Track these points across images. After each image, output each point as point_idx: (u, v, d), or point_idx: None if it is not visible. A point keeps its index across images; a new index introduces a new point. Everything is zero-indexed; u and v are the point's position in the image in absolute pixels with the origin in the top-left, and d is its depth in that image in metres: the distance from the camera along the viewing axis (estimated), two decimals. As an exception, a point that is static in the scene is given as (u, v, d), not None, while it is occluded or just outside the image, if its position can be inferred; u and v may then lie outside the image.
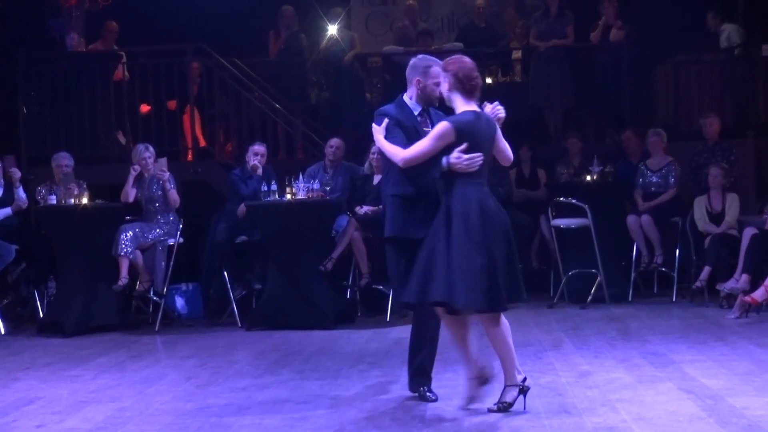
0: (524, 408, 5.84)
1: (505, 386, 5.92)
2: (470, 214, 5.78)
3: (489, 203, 5.88)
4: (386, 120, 6.14)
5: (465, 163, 5.78)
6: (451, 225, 5.80)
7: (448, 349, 7.76)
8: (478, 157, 5.80)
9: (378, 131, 6.11)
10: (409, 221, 6.09)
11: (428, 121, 6.26)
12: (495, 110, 6.04)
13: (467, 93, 5.93)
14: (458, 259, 5.73)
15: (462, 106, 5.94)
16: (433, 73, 6.18)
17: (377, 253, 9.96)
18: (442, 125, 5.87)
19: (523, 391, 5.89)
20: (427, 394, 6.26)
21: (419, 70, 6.25)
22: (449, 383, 6.62)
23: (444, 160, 5.82)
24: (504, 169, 11.39)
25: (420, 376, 6.32)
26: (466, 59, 6.03)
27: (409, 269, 5.96)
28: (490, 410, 5.86)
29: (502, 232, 5.90)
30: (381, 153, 6.39)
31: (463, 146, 5.79)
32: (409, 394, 6.35)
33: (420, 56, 6.41)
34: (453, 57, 6.09)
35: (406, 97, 6.30)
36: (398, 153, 5.98)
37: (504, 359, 5.92)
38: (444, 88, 6.03)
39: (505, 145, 6.10)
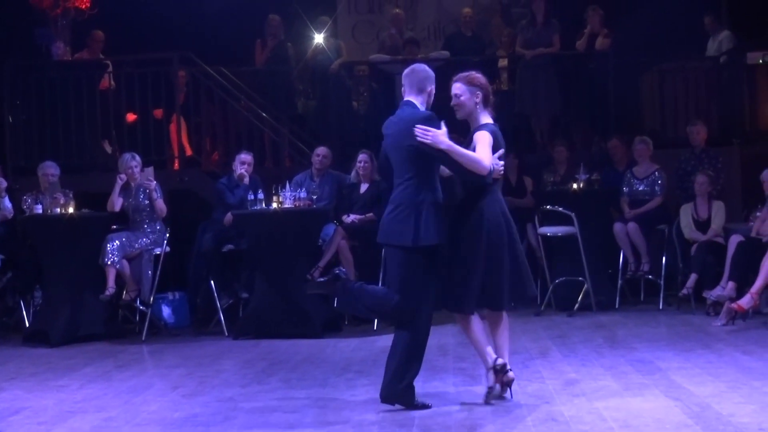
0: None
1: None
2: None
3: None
4: (443, 125, 6.10)
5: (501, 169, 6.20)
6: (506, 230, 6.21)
7: (436, 357, 7.79)
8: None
9: (442, 134, 6.02)
10: (444, 229, 6.15)
11: None
12: None
13: (490, 107, 6.35)
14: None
15: (486, 119, 6.30)
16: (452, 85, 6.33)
17: (364, 261, 9.96)
18: (487, 134, 6.16)
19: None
20: (422, 401, 6.25)
21: (432, 79, 6.30)
22: (437, 390, 6.62)
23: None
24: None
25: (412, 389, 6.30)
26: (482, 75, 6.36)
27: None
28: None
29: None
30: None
31: (501, 152, 6.23)
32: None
33: (422, 66, 6.39)
34: (472, 72, 6.35)
35: (418, 104, 6.26)
36: (483, 159, 6.06)
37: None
38: (472, 101, 6.25)
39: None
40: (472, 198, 6.21)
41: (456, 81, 6.33)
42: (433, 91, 6.29)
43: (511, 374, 6.30)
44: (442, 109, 6.31)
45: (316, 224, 9.84)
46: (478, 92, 6.26)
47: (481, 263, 6.11)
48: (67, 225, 9.66)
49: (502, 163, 6.18)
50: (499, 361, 6.27)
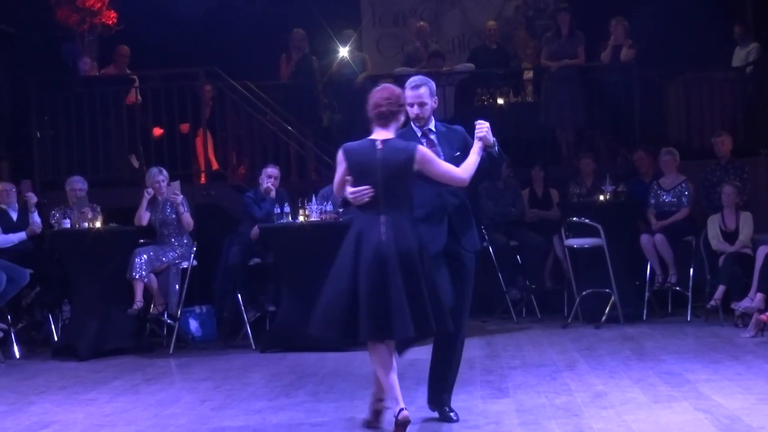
0: None
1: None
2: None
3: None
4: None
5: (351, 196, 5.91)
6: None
7: (463, 369, 7.78)
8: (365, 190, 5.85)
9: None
10: None
11: (434, 141, 6.26)
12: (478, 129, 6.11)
13: (378, 120, 5.98)
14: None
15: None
16: (405, 95, 6.15)
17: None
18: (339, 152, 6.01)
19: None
20: (450, 414, 6.25)
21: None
22: (465, 403, 6.61)
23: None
24: (516, 189, 11.46)
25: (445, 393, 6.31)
26: (386, 88, 6.06)
27: None
28: None
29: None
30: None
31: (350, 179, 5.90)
32: (424, 415, 6.33)
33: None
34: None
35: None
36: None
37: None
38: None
39: (446, 169, 5.99)
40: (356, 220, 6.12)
41: (421, 86, 6.21)
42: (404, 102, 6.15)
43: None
44: (464, 119, 6.30)
45: (343, 237, 9.81)
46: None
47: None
48: (95, 239, 9.71)
49: (353, 189, 5.92)
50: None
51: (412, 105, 6.15)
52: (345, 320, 5.78)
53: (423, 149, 5.96)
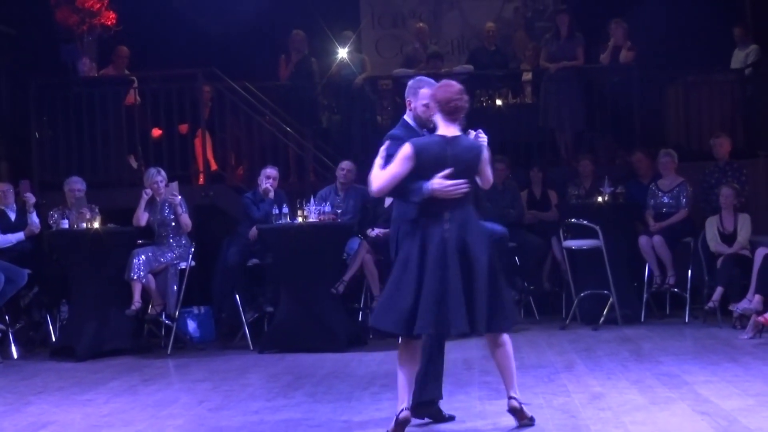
0: None
1: None
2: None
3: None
4: (387, 142, 6.04)
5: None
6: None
7: (461, 371, 7.79)
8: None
9: (378, 155, 5.98)
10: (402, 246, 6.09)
11: None
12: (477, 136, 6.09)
13: (447, 116, 5.94)
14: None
15: (442, 128, 5.96)
16: (422, 94, 6.18)
17: (389, 275, 9.94)
18: (403, 148, 5.86)
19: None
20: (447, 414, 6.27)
21: (411, 91, 6.26)
22: (462, 404, 6.61)
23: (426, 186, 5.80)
24: (515, 190, 11.46)
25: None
26: (451, 84, 6.04)
27: None
28: None
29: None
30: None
31: (447, 171, 5.80)
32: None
33: (417, 77, 6.43)
34: (441, 82, 6.13)
35: (408, 119, 6.28)
36: (372, 181, 5.89)
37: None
38: (428, 113, 6.09)
39: (490, 173, 6.08)
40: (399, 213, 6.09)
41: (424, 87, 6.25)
42: (413, 103, 6.19)
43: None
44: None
45: (341, 238, 9.86)
46: (431, 103, 6.07)
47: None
48: (93, 240, 9.72)
49: (450, 182, 5.81)
50: None
51: (428, 105, 6.14)
52: (406, 314, 5.75)
53: (487, 149, 5.98)
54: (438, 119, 5.95)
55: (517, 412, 5.93)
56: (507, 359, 5.96)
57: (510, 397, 5.94)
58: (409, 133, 6.13)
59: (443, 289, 5.71)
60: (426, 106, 6.13)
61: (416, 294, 5.73)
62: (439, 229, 5.80)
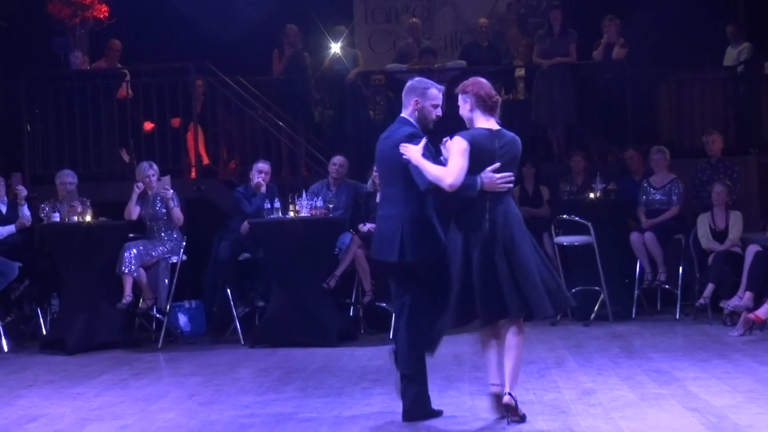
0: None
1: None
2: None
3: None
4: (424, 139, 6.09)
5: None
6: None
7: (452, 366, 7.80)
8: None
9: (416, 150, 5.99)
10: (429, 244, 6.16)
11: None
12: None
13: (488, 109, 6.08)
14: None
15: (481, 122, 6.09)
16: (432, 95, 6.24)
17: (380, 270, 9.96)
18: (457, 143, 5.93)
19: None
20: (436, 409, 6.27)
21: (418, 91, 6.28)
22: (453, 399, 6.61)
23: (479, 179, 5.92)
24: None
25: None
26: (483, 80, 6.21)
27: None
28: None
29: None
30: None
31: (496, 165, 5.96)
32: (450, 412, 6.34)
33: (417, 78, 6.45)
34: (469, 79, 6.24)
35: (409, 118, 6.28)
36: (445, 176, 5.88)
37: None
38: (465, 108, 6.13)
39: None
40: (464, 206, 6.06)
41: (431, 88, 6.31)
42: (421, 103, 6.24)
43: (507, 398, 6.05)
44: (454, 117, 6.32)
45: (333, 233, 9.85)
46: (467, 98, 6.13)
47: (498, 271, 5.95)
48: (85, 233, 9.70)
49: (499, 176, 5.97)
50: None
51: (437, 107, 6.27)
52: (463, 308, 5.93)
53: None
54: (477, 115, 6.07)
55: (510, 409, 5.94)
56: (520, 350, 6.00)
57: (508, 393, 5.93)
58: (415, 134, 6.17)
59: (494, 277, 5.86)
60: (435, 106, 6.22)
61: (469, 287, 5.89)
62: (483, 221, 5.92)
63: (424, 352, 6.20)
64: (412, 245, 6.05)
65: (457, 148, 5.90)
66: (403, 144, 6.03)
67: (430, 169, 5.91)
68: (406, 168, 6.04)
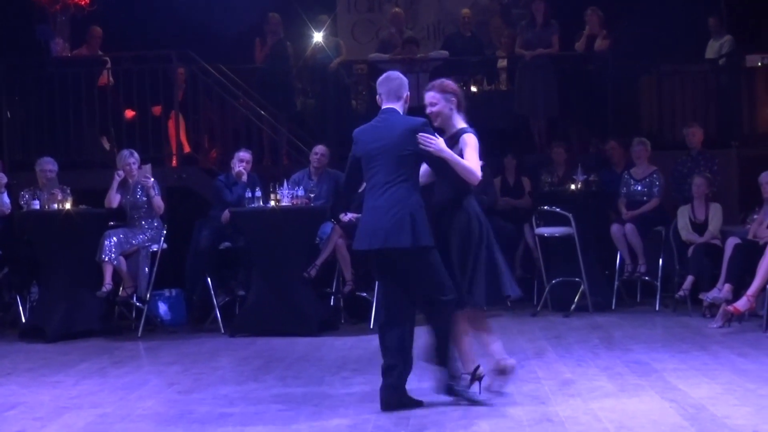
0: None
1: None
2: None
3: None
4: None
5: None
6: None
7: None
8: None
9: (442, 143, 6.15)
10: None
11: None
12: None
13: (463, 111, 6.40)
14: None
15: (461, 123, 6.35)
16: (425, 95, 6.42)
17: (361, 260, 9.96)
18: (474, 139, 6.23)
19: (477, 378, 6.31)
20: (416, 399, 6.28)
21: (407, 86, 6.37)
22: (431, 389, 6.62)
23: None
24: (488, 177, 11.45)
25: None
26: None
27: None
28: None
29: None
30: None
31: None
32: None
33: (398, 73, 6.47)
34: (443, 80, 6.47)
35: (399, 110, 6.32)
36: (476, 168, 6.16)
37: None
38: (447, 107, 6.30)
39: None
40: (458, 199, 6.25)
41: (429, 90, 6.42)
42: (409, 97, 6.37)
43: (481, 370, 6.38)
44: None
45: (314, 223, 9.85)
46: (452, 98, 6.33)
47: (474, 259, 6.21)
48: (65, 221, 9.65)
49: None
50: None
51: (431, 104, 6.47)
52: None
53: None
54: (458, 114, 6.35)
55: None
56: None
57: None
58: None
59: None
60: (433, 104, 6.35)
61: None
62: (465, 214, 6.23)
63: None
64: (424, 229, 6.09)
65: (475, 144, 6.20)
66: (424, 134, 6.11)
67: (464, 162, 6.12)
68: (416, 156, 6.15)
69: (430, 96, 6.35)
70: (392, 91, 6.31)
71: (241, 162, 10.28)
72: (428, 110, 6.37)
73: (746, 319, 9.17)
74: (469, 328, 6.35)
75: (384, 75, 6.43)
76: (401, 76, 6.41)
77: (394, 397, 6.17)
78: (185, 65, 12.07)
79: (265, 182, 10.09)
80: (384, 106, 6.33)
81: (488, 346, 6.45)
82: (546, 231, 10.49)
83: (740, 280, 9.35)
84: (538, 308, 10.44)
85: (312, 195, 9.87)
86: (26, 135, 12.03)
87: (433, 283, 6.11)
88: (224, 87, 12.08)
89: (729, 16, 13.71)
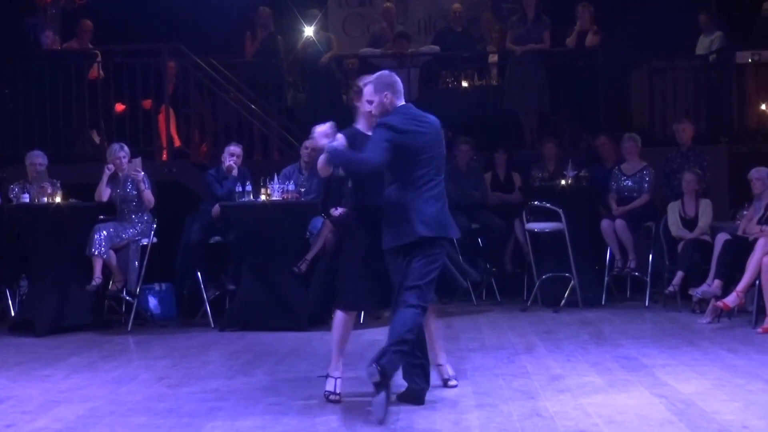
0: None
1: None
2: None
3: None
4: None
5: None
6: None
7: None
8: None
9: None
10: None
11: None
12: None
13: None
14: None
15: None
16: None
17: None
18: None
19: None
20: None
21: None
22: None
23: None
24: (479, 172, 11.48)
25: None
26: None
27: None
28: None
29: None
30: None
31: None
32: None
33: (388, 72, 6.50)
34: (378, 74, 6.48)
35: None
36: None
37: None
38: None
39: None
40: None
41: (365, 85, 6.46)
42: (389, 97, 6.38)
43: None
44: (428, 102, 6.40)
45: (304, 217, 9.84)
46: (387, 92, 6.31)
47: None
48: (54, 215, 9.64)
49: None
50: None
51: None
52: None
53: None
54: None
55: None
56: None
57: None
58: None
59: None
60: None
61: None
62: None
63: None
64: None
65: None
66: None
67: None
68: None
69: (368, 92, 6.44)
70: (399, 90, 6.36)
71: (232, 156, 10.26)
72: (368, 108, 6.52)
73: (735, 315, 9.19)
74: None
75: (385, 77, 6.36)
76: (393, 73, 6.44)
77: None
78: (176, 59, 12.04)
79: (255, 176, 10.08)
80: (399, 104, 6.31)
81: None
82: (536, 226, 10.50)
83: (729, 275, 9.37)
84: (528, 303, 10.45)
85: (302, 189, 9.86)
86: (16, 128, 11.99)
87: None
88: (215, 81, 12.06)
89: (719, 13, 13.73)
